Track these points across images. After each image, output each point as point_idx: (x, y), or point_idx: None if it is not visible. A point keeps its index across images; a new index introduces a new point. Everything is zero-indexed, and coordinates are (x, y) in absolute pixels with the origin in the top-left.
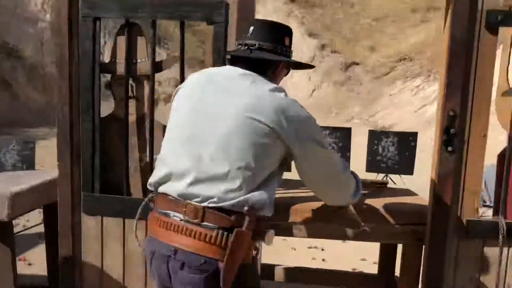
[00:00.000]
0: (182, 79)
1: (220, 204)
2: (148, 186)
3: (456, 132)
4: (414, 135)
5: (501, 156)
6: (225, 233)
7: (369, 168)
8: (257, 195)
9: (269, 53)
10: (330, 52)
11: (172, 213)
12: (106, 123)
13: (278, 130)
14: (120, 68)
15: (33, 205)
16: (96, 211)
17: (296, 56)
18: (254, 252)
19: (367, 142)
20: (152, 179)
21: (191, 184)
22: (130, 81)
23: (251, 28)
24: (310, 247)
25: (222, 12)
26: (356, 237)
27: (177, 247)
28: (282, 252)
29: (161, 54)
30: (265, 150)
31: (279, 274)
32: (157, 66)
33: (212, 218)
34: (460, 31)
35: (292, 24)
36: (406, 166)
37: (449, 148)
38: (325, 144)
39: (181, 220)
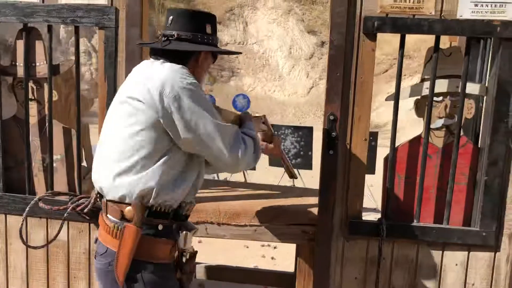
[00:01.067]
0: (78, 81)
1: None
2: None
3: (337, 136)
4: (374, 134)
5: (386, 160)
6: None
7: None
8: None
9: (187, 43)
10: None
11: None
12: (8, 125)
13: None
14: (21, 71)
15: None
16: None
17: (295, 53)
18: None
19: None
20: None
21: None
22: (31, 84)
23: (170, 18)
24: (263, 245)
25: (112, 17)
26: (250, 237)
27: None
28: (233, 249)
29: None
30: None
31: (200, 272)
32: (55, 69)
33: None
34: (337, 37)
35: (292, 21)
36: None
37: (330, 151)
38: None
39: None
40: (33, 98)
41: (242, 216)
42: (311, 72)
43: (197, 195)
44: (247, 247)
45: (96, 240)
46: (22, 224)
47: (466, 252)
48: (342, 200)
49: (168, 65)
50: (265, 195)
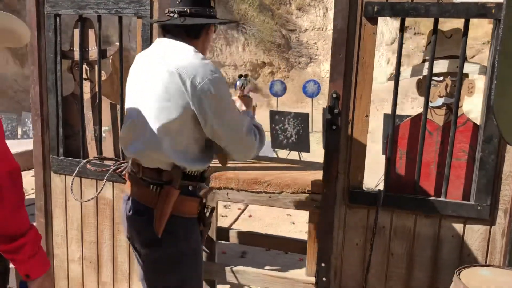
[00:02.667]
0: (121, 64)
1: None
2: None
3: (339, 112)
4: None
5: (387, 137)
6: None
7: None
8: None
9: (201, 18)
10: (413, 34)
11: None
12: (68, 100)
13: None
14: (77, 55)
15: (25, 165)
16: (60, 170)
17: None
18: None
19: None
20: None
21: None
22: (85, 66)
23: None
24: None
25: (148, 7)
26: (265, 203)
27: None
28: (280, 225)
29: (237, 37)
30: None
31: (233, 237)
32: (103, 53)
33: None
34: (340, 21)
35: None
36: None
37: (333, 127)
38: None
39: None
40: (86, 77)
41: (258, 184)
42: (392, 58)
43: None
44: (293, 223)
45: (129, 198)
46: (72, 182)
47: (462, 225)
48: (344, 172)
49: (193, 52)
50: (279, 167)
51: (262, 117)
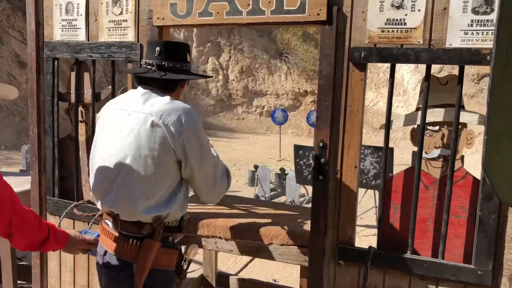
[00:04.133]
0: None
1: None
2: None
3: (326, 162)
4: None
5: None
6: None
7: None
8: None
9: (178, 74)
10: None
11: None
12: (65, 142)
13: None
14: (73, 98)
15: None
16: (56, 212)
17: (422, 67)
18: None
19: None
20: None
21: None
22: (80, 108)
23: (157, 48)
24: None
25: (138, 52)
26: (253, 254)
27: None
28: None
29: (279, 66)
30: None
31: (233, 284)
32: (97, 96)
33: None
34: (326, 67)
35: None
36: None
37: (320, 177)
38: None
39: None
40: (82, 120)
41: (246, 233)
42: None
43: (209, 211)
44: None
45: (105, 253)
46: (59, 225)
47: None
48: (333, 226)
49: (169, 99)
50: (273, 215)
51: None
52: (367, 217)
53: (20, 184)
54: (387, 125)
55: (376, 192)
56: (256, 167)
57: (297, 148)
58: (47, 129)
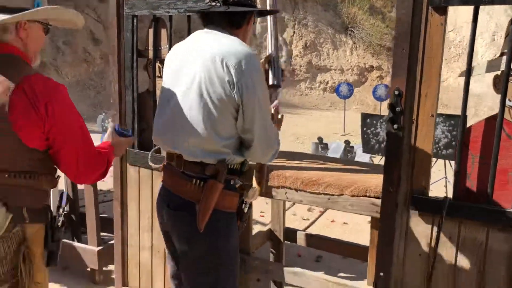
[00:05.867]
0: None
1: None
2: None
3: (402, 110)
4: None
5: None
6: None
7: None
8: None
9: (244, 6)
10: None
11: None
12: (143, 96)
13: None
14: (151, 54)
15: None
16: (135, 162)
17: (499, 40)
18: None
19: None
20: None
21: None
22: (158, 64)
23: None
24: None
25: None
26: (323, 205)
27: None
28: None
29: (345, 41)
30: None
31: (300, 239)
32: None
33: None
34: (404, 12)
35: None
36: None
37: (395, 126)
38: None
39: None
40: (159, 75)
41: (317, 185)
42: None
43: (279, 163)
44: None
45: (168, 192)
46: (139, 174)
47: None
48: (407, 176)
49: (237, 41)
50: (342, 169)
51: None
52: (436, 188)
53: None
54: (468, 73)
55: (447, 162)
56: (320, 139)
57: (365, 116)
58: (127, 84)
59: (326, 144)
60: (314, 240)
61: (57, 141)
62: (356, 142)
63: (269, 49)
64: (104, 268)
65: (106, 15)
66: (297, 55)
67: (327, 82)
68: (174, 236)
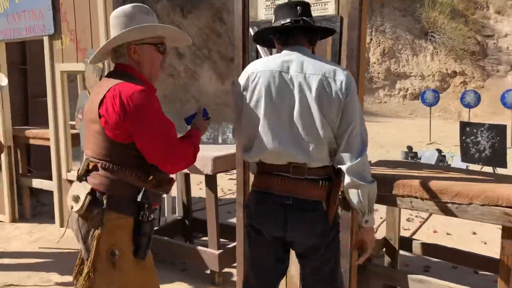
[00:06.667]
0: None
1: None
2: None
3: None
4: None
5: None
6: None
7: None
8: None
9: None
10: None
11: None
12: None
13: None
14: None
15: (225, 167)
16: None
17: None
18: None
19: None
20: None
21: None
22: None
23: (298, 7)
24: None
25: (338, 24)
26: (451, 213)
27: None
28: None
29: (424, 47)
30: None
31: (416, 248)
32: None
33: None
34: None
35: None
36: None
37: None
38: None
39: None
40: None
41: (444, 194)
42: None
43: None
44: (485, 243)
45: (284, 197)
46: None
47: None
48: None
49: (329, 60)
50: (467, 179)
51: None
52: None
53: (221, 149)
54: None
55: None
56: (409, 148)
57: (464, 125)
58: None
59: (416, 153)
60: (431, 249)
61: (135, 135)
62: (445, 150)
63: None
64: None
65: (190, 30)
66: (374, 62)
67: (407, 89)
68: (299, 235)
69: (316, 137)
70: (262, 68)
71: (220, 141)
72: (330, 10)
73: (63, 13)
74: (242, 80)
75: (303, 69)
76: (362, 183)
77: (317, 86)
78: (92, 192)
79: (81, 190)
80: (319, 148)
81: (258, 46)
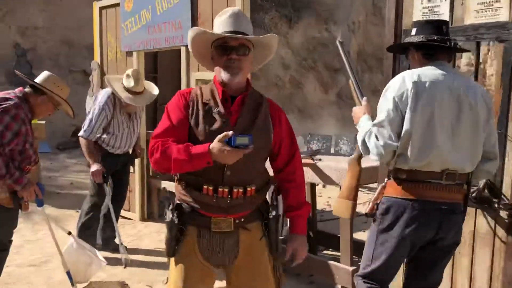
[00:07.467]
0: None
1: None
2: None
3: None
4: None
5: None
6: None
7: None
8: None
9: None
10: None
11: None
12: None
13: None
14: None
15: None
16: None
17: None
18: None
19: None
20: None
21: None
22: None
23: (444, 27)
24: None
25: (510, 31)
26: None
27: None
28: None
29: None
30: None
31: None
32: None
33: None
34: None
35: None
36: None
37: None
38: None
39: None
40: None
41: None
42: None
43: None
44: None
45: (440, 203)
46: None
47: None
48: None
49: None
50: None
51: None
52: None
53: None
54: None
55: None
56: None
57: None
58: None
59: None
60: None
61: None
62: None
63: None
64: None
65: (296, 40)
66: (491, 74)
67: None
68: (449, 236)
69: (479, 145)
70: (428, 79)
71: (332, 151)
72: (503, 16)
73: (201, 23)
74: (402, 87)
75: (461, 83)
76: None
77: (477, 99)
78: None
79: None
80: (479, 155)
81: (342, 54)
